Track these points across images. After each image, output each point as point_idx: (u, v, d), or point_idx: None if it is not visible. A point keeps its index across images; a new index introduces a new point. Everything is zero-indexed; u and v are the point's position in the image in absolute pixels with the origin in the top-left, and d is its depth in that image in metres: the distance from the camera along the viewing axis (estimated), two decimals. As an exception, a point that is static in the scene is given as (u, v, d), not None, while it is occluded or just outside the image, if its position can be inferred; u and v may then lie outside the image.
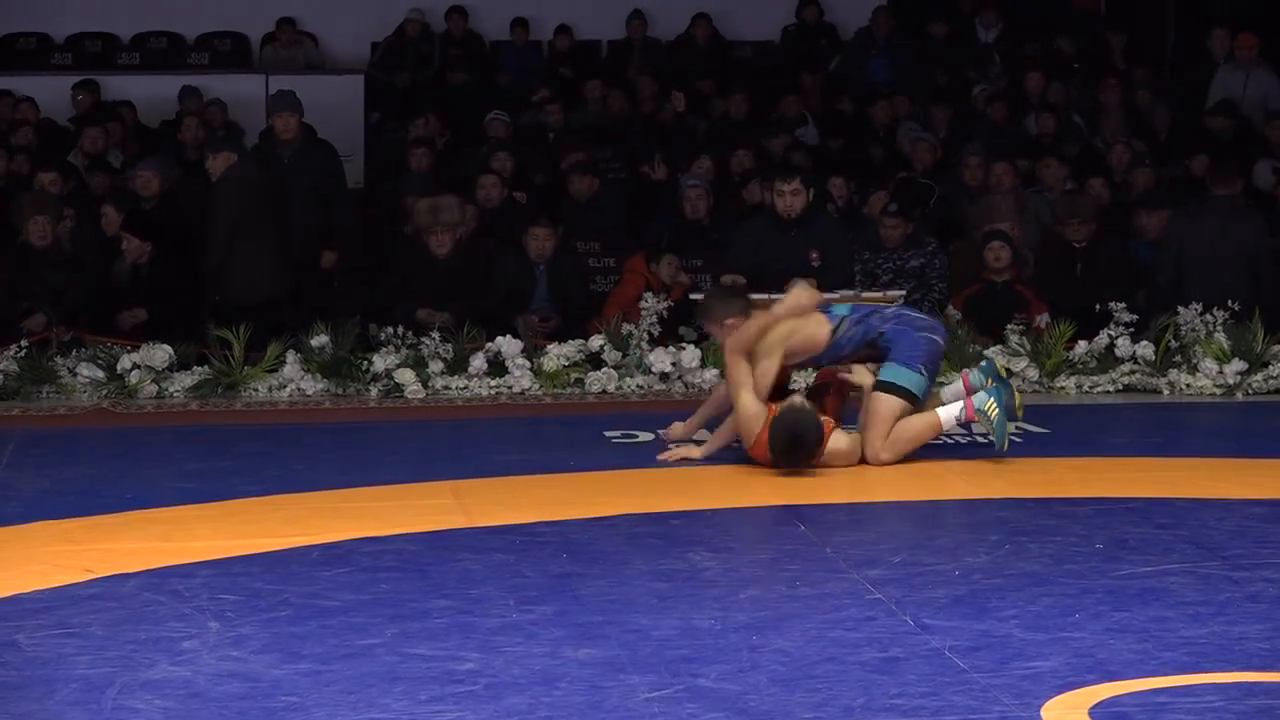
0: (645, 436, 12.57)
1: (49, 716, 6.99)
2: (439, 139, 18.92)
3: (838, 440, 11.26)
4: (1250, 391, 14.28)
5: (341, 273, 16.88)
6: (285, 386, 14.23)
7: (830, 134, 19.69)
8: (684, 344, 14.58)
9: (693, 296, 15.25)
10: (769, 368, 11.17)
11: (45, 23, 21.61)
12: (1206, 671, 7.40)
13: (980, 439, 12.15)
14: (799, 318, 11.44)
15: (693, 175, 17.71)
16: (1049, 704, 7.00)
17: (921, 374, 11.18)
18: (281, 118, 16.46)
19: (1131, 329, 14.65)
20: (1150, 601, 8.40)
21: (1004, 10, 20.80)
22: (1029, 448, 12.11)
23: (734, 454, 12.04)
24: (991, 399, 11.02)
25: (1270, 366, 14.40)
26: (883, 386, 11.16)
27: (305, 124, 16.68)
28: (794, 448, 10.79)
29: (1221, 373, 14.33)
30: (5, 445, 12.30)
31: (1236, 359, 14.38)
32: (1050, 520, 10.11)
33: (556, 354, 14.46)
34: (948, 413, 11.21)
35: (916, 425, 11.17)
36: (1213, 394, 14.25)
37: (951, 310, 14.96)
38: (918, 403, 11.20)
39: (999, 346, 14.42)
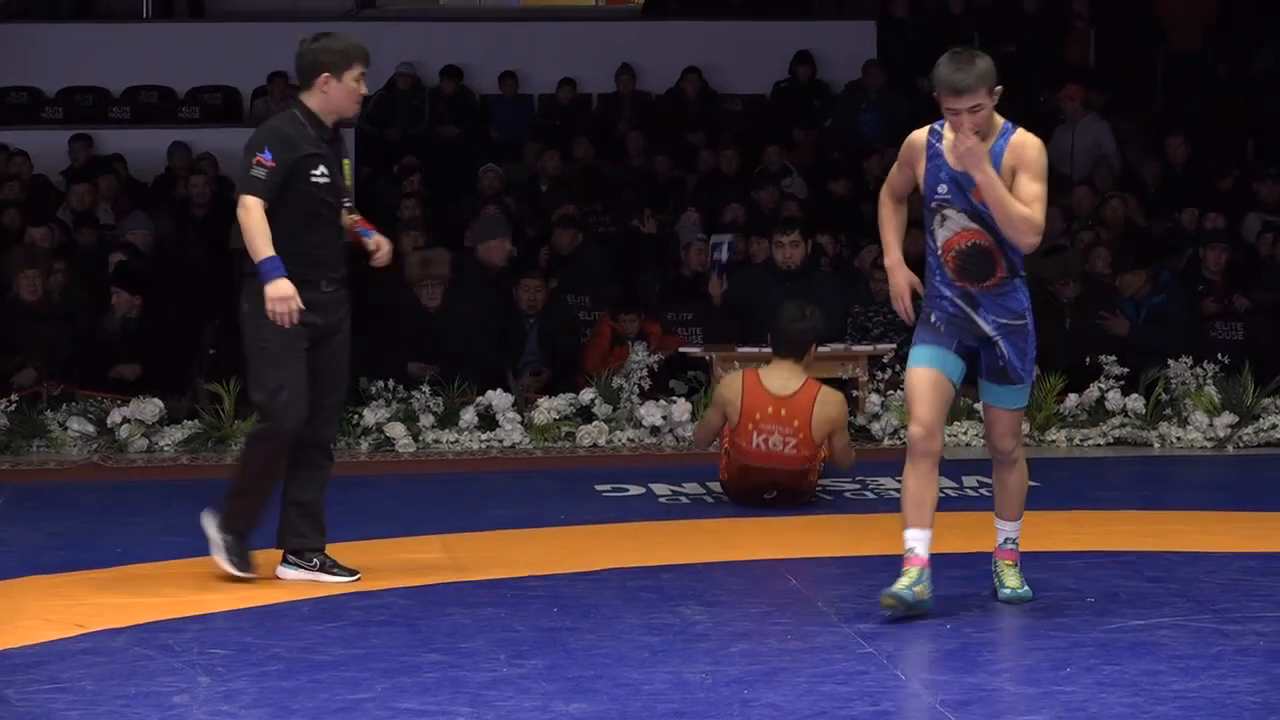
0: (636, 490, 12.57)
1: (38, 771, 6.99)
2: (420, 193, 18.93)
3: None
4: (1241, 444, 14.30)
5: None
6: (276, 440, 14.23)
7: (822, 188, 19.70)
8: (675, 397, 14.58)
9: (683, 350, 15.30)
10: None
11: (37, 77, 21.67)
12: (1197, 725, 7.41)
13: (971, 492, 12.18)
14: None
15: (694, 228, 17.74)
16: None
17: None
18: None
19: (1122, 382, 14.67)
20: (1141, 655, 8.40)
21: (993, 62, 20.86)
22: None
23: (728, 508, 12.04)
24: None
25: (1261, 419, 14.42)
26: None
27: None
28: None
29: (1212, 425, 14.35)
30: (-7, 500, 12.32)
31: (1227, 412, 14.40)
32: (1041, 573, 10.10)
33: (547, 408, 14.47)
34: None
35: None
36: (1203, 447, 14.27)
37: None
38: None
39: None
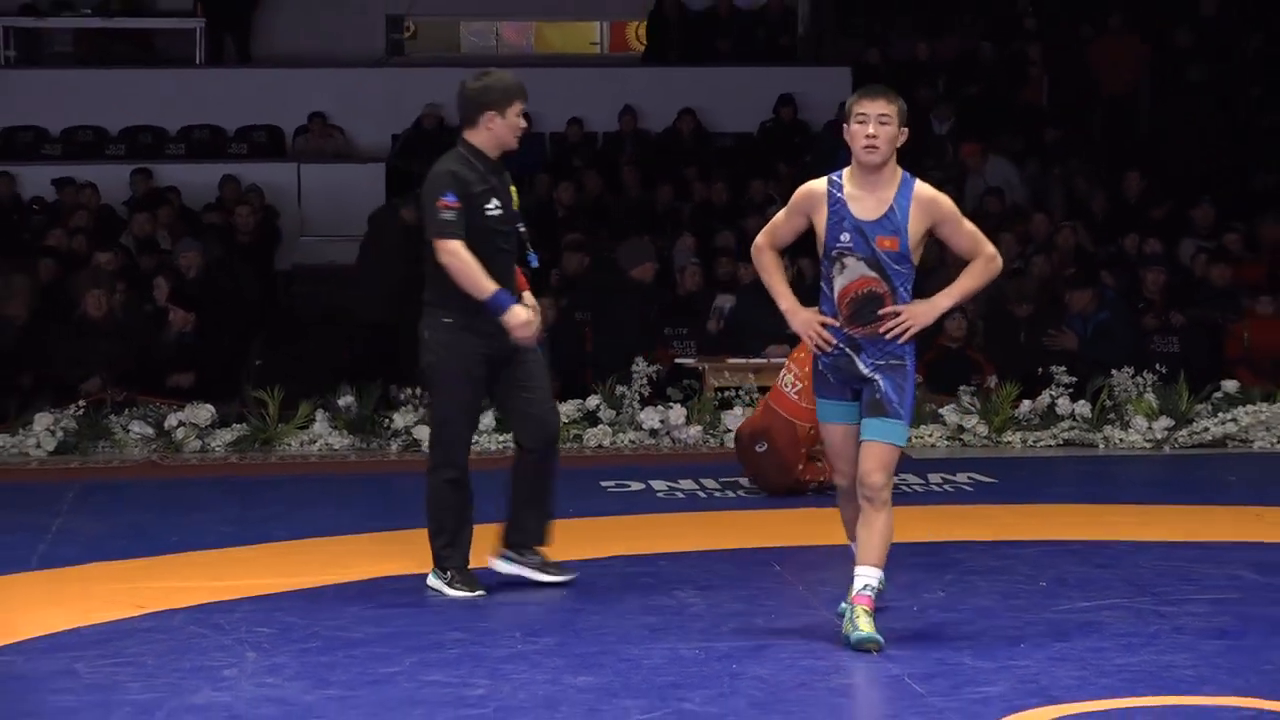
0: (637, 486, 12.57)
1: (105, 736, 7.00)
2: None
3: None
4: (1176, 445, 14.31)
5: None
6: (315, 442, 14.24)
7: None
8: (671, 404, 14.60)
9: (679, 361, 15.30)
10: None
11: (102, 117, 21.63)
12: (1139, 696, 7.41)
13: (935, 489, 12.18)
14: None
15: (689, 252, 17.75)
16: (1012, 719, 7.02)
17: None
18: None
19: (1070, 390, 14.69)
20: (1088, 633, 8.41)
21: (955, 107, 20.84)
22: (979, 496, 12.13)
23: (719, 502, 12.04)
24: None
25: (1194, 423, 14.44)
26: None
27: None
28: None
29: (1151, 429, 14.37)
30: (65, 495, 12.30)
31: (1164, 416, 14.42)
32: (998, 561, 10.12)
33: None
34: None
35: None
36: (1143, 448, 14.28)
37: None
38: None
39: (952, 405, 14.50)
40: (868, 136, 7.58)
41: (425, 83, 22.32)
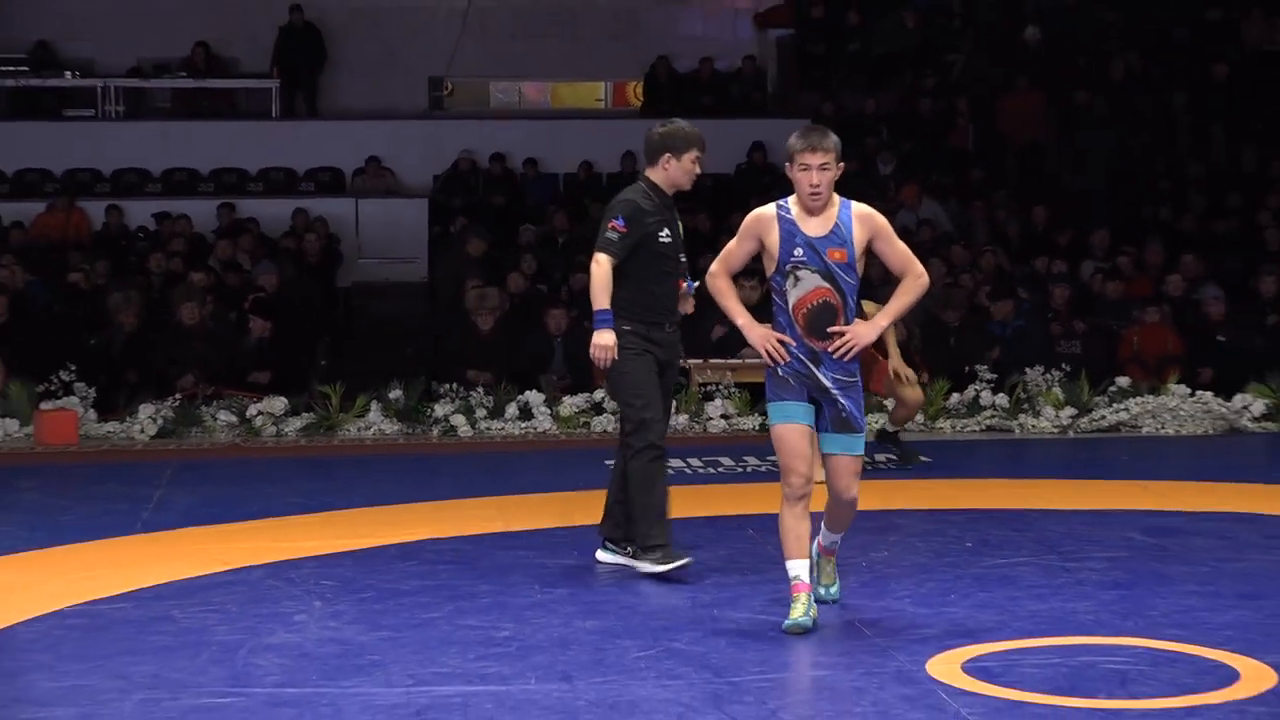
0: (635, 464, 12.58)
1: (196, 670, 7.00)
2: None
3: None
4: (1079, 430, 14.31)
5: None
6: (370, 428, 14.23)
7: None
8: (663, 396, 14.61)
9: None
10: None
11: (195, 161, 21.66)
12: (1047, 636, 7.44)
13: (882, 466, 12.19)
14: None
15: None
16: (932, 660, 7.03)
17: None
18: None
19: (991, 384, 14.70)
20: (1006, 585, 8.44)
21: (896, 151, 20.84)
22: (917, 473, 12.13)
23: (703, 477, 12.05)
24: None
25: (1094, 412, 14.44)
26: None
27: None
28: None
29: (1058, 416, 14.37)
30: (164, 472, 12.31)
31: (1069, 407, 14.43)
32: (933, 526, 10.14)
33: (569, 403, 14.47)
34: None
35: None
36: (1051, 432, 14.28)
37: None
38: None
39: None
40: (812, 185, 7.28)
41: (460, 132, 22.45)
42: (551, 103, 25.83)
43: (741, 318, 7.51)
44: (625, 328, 8.67)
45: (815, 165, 7.26)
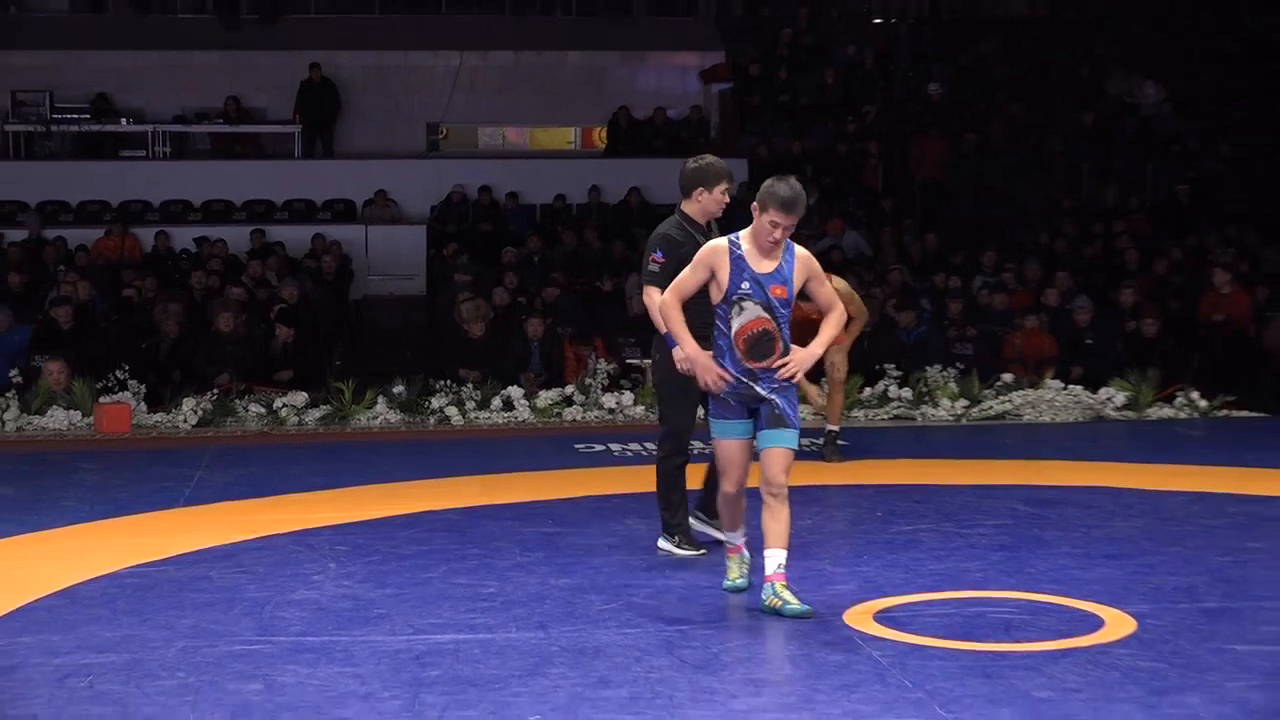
0: (600, 448, 12.56)
1: (230, 622, 6.99)
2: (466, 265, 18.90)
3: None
4: (970, 419, 14.36)
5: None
6: (377, 418, 14.19)
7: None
8: (623, 390, 14.61)
9: (629, 362, 15.30)
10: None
11: (229, 193, 21.63)
12: (945, 591, 7.45)
13: (805, 448, 12.22)
14: None
15: (635, 286, 17.73)
16: (848, 611, 7.04)
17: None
18: None
19: (898, 380, 14.73)
20: (910, 548, 8.45)
21: (819, 186, 20.87)
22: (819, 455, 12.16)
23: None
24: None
25: (983, 403, 14.48)
26: None
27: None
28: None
29: (953, 407, 14.41)
30: (203, 456, 12.27)
31: (962, 399, 14.47)
32: (849, 498, 10.16)
33: (545, 397, 14.46)
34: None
35: None
36: (948, 421, 14.32)
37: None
38: None
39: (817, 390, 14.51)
40: (774, 239, 6.99)
41: (453, 169, 22.47)
42: (530, 145, 25.83)
43: (688, 346, 7.22)
44: (672, 345, 8.22)
45: (784, 225, 7.00)
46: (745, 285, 7.08)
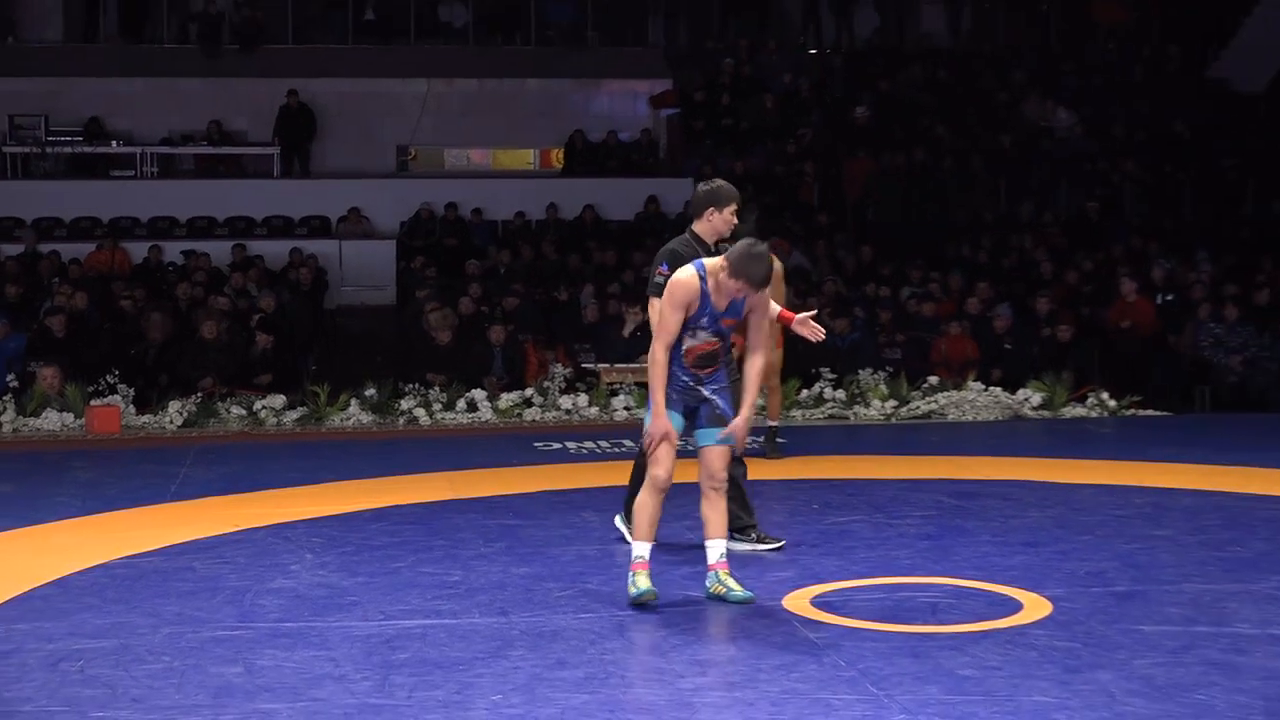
0: (557, 446, 12.54)
1: (213, 609, 6.94)
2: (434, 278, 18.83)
3: None
4: (899, 418, 14.38)
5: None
6: (350, 419, 14.12)
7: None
8: (578, 393, 14.58)
9: (584, 366, 15.28)
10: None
11: (213, 210, 21.49)
12: (877, 577, 7.46)
13: (747, 445, 12.20)
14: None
15: (589, 296, 17.71)
16: (787, 596, 7.03)
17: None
18: None
19: (832, 382, 14.74)
20: (844, 538, 8.45)
21: (759, 204, 20.87)
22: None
23: (609, 455, 12.01)
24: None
25: (911, 404, 14.51)
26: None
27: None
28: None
29: (884, 407, 14.43)
30: (187, 455, 12.18)
31: (892, 399, 14.49)
32: (787, 492, 10.15)
33: (506, 399, 14.42)
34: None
35: None
36: (878, 420, 14.34)
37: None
38: None
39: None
40: (735, 297, 6.86)
41: (421, 187, 22.41)
42: (492, 165, 25.76)
43: (659, 407, 6.97)
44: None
45: (748, 294, 6.89)
46: (705, 320, 7.02)
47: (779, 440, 11.81)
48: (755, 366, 7.04)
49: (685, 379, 7.06)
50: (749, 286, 6.89)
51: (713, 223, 8.16)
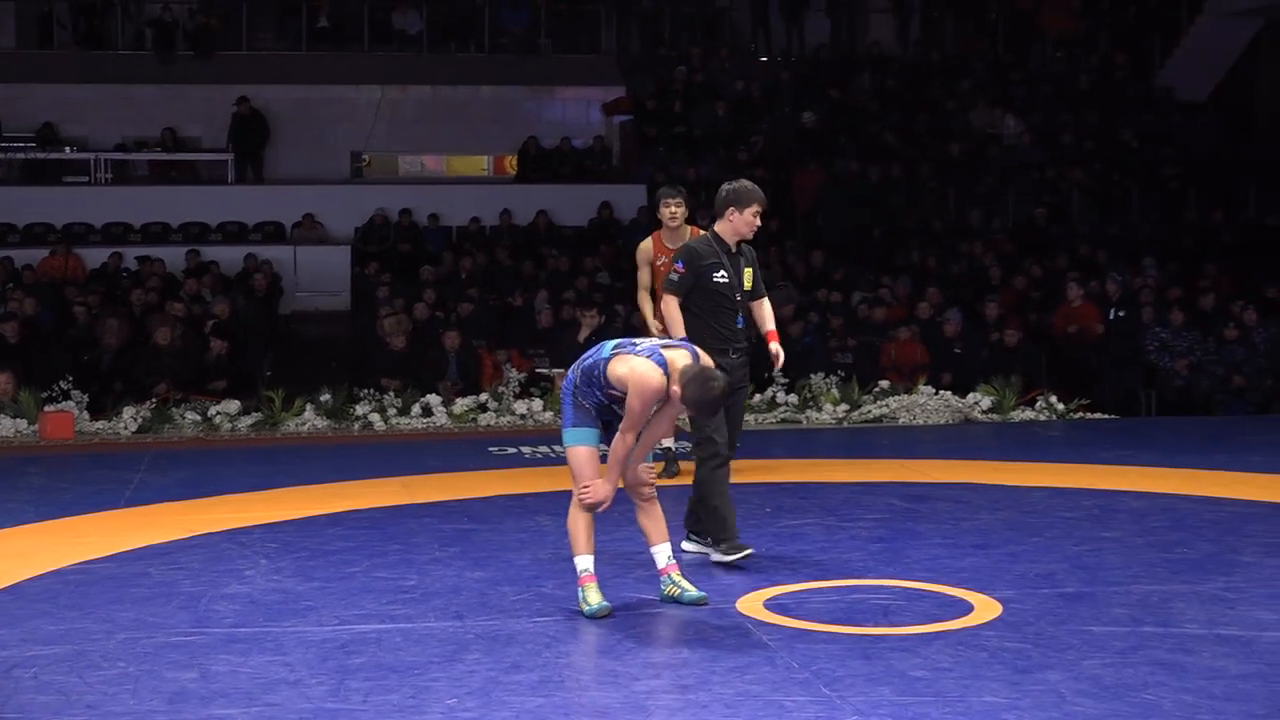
0: (512, 450, 12.51)
1: (168, 615, 6.89)
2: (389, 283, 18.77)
3: None
4: (850, 422, 14.41)
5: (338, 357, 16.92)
6: (305, 424, 14.04)
7: (619, 281, 19.64)
8: (533, 397, 14.55)
9: (538, 370, 15.25)
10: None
11: (167, 215, 21.39)
12: (830, 579, 7.47)
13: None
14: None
15: (543, 301, 17.69)
16: (740, 599, 7.04)
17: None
18: None
19: (785, 386, 14.75)
20: (796, 540, 8.46)
21: (711, 210, 20.91)
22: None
23: (563, 459, 12.00)
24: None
25: (862, 407, 14.54)
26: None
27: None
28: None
29: (835, 411, 14.46)
30: (142, 461, 12.09)
31: (844, 404, 14.52)
32: (740, 496, 10.05)
33: (461, 404, 14.37)
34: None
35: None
36: (830, 424, 14.36)
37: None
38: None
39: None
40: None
41: (375, 193, 22.38)
42: (446, 171, 25.74)
43: (612, 479, 6.82)
44: None
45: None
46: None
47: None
48: (626, 443, 6.74)
49: (603, 401, 6.86)
50: (695, 415, 6.81)
51: (734, 223, 8.03)
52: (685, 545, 8.05)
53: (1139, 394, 16.12)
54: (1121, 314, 16.94)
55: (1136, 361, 16.37)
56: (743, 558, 7.77)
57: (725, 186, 8.11)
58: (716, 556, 7.88)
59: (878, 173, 21.89)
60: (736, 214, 8.01)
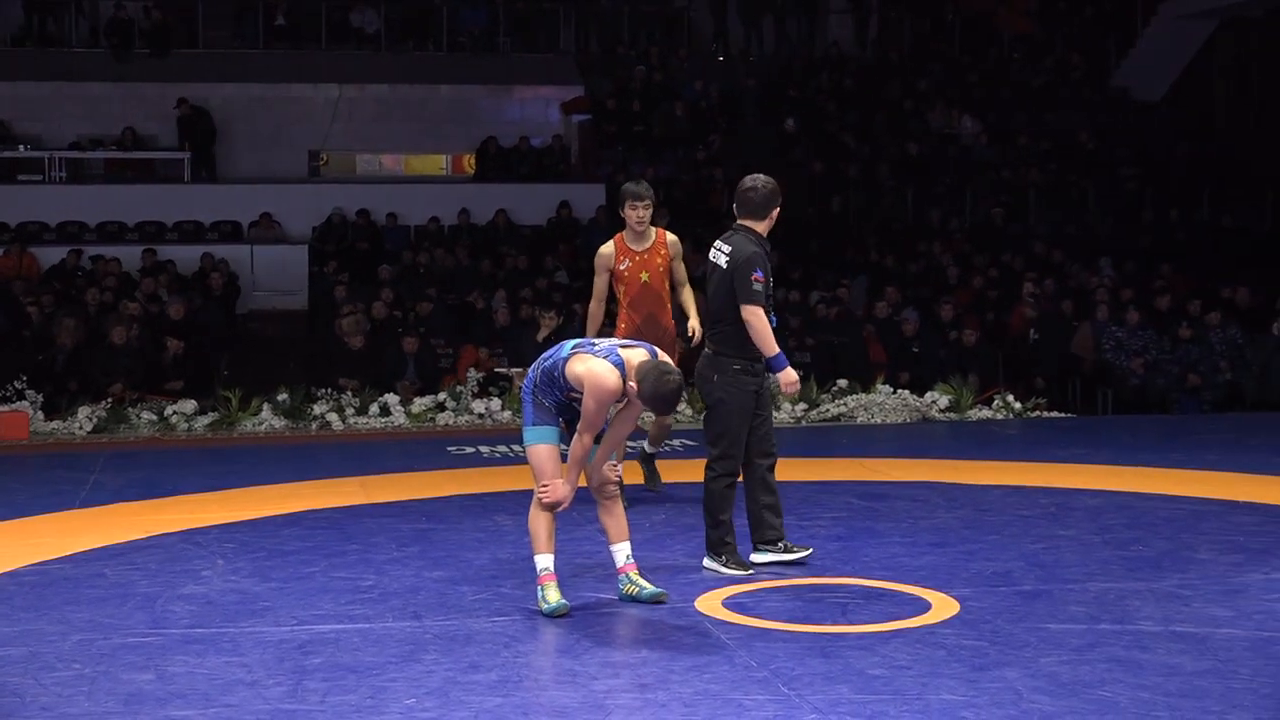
0: (470, 450, 12.48)
1: (124, 616, 6.84)
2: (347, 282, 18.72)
3: None
4: (809, 421, 14.43)
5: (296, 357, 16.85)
6: (262, 424, 13.98)
7: (576, 281, 19.65)
8: (492, 397, 14.52)
9: (498, 370, 15.22)
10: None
11: (123, 215, 21.29)
12: (787, 578, 7.48)
13: (664, 448, 12.20)
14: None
15: (502, 300, 17.66)
16: (700, 598, 7.04)
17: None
18: None
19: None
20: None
21: (670, 209, 20.96)
22: (686, 454, 12.11)
23: (522, 459, 11.99)
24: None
25: (820, 407, 14.56)
26: None
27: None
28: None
29: (794, 409, 14.48)
30: (98, 461, 12.01)
31: (802, 403, 14.54)
32: (699, 494, 10.09)
33: (419, 403, 14.34)
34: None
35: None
36: (789, 423, 14.38)
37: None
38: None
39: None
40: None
41: (333, 192, 22.31)
42: (404, 170, 25.67)
43: (572, 479, 6.83)
44: (734, 366, 7.70)
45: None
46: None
47: (689, 443, 11.75)
48: (584, 444, 6.75)
49: (563, 400, 6.86)
50: (653, 410, 6.83)
51: (772, 220, 7.87)
52: (754, 557, 7.77)
53: (1095, 393, 16.21)
54: (1037, 337, 16.84)
55: (1085, 353, 16.46)
56: (746, 576, 7.58)
57: (761, 186, 7.82)
58: (714, 565, 7.69)
59: (836, 172, 21.94)
60: (775, 213, 7.87)
